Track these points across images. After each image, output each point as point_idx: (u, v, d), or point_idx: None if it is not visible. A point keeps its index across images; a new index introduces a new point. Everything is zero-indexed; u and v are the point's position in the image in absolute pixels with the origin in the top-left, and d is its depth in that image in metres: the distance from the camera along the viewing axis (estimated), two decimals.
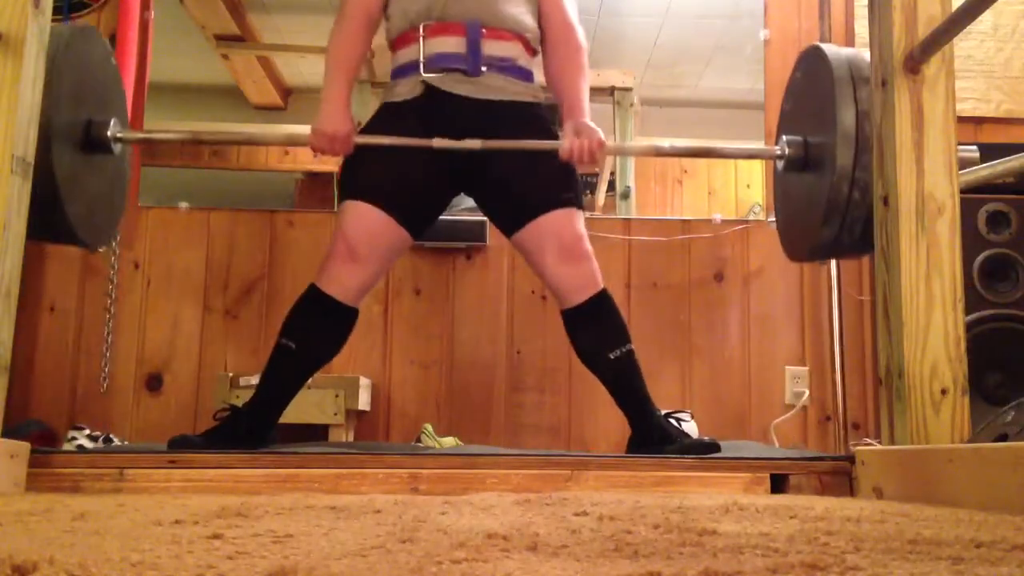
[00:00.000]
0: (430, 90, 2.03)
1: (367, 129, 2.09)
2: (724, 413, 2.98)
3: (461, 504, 1.30)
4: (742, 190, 4.79)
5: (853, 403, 2.96)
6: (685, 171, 4.85)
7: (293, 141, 2.33)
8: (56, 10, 2.59)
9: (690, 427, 2.42)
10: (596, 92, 3.90)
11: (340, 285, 2.01)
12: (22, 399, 2.80)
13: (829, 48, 1.97)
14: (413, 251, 2.99)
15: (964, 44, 3.11)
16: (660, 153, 2.13)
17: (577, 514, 1.13)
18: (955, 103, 1.65)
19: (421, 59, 2.03)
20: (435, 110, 2.03)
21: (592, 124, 2.03)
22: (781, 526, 1.00)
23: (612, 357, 2.03)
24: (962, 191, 1.65)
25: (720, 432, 2.78)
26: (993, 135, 3.09)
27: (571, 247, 2.03)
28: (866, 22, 1.82)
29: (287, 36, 4.39)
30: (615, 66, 4.11)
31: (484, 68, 2.03)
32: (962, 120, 1.78)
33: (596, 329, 2.05)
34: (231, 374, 2.74)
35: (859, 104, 1.83)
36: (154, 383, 2.94)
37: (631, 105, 3.98)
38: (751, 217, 3.90)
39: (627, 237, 3.06)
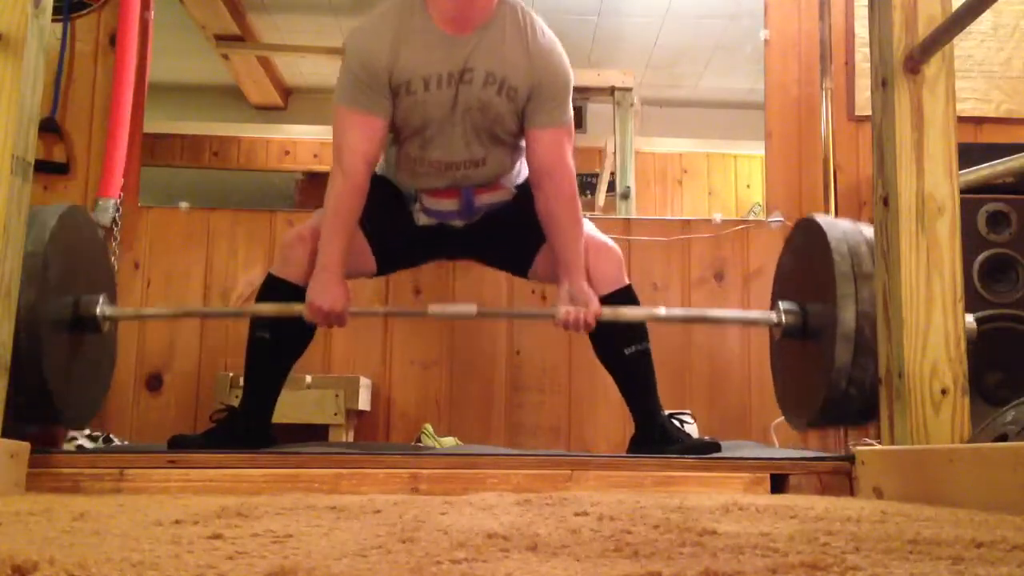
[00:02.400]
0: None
1: (371, 191, 2.09)
2: (724, 413, 2.97)
3: (461, 504, 1.30)
4: (742, 190, 4.79)
5: None
6: (685, 171, 4.86)
7: (287, 311, 2.13)
8: (56, 10, 2.60)
9: (691, 428, 2.42)
10: (596, 92, 3.91)
11: (297, 266, 2.01)
12: None
13: (830, 229, 1.92)
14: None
15: (964, 44, 3.11)
16: (658, 319, 2.10)
17: (577, 514, 1.13)
18: (955, 103, 1.65)
19: (419, 207, 2.11)
20: (432, 233, 2.14)
21: (588, 289, 1.98)
22: (781, 526, 1.00)
23: (627, 353, 2.04)
24: (962, 191, 1.65)
25: (720, 432, 2.78)
26: (993, 135, 3.09)
27: (594, 245, 2.06)
28: (866, 22, 1.82)
29: (287, 36, 4.38)
30: (615, 66, 4.11)
31: (477, 213, 2.12)
32: (962, 120, 1.77)
33: (615, 324, 2.05)
34: (231, 374, 2.73)
35: (859, 303, 1.81)
36: (154, 383, 2.94)
37: (631, 105, 3.98)
38: (751, 217, 3.90)
39: (627, 237, 3.06)
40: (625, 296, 2.07)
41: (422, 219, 2.12)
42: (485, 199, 2.10)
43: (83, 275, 2.03)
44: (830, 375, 1.82)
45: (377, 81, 1.93)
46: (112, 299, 2.10)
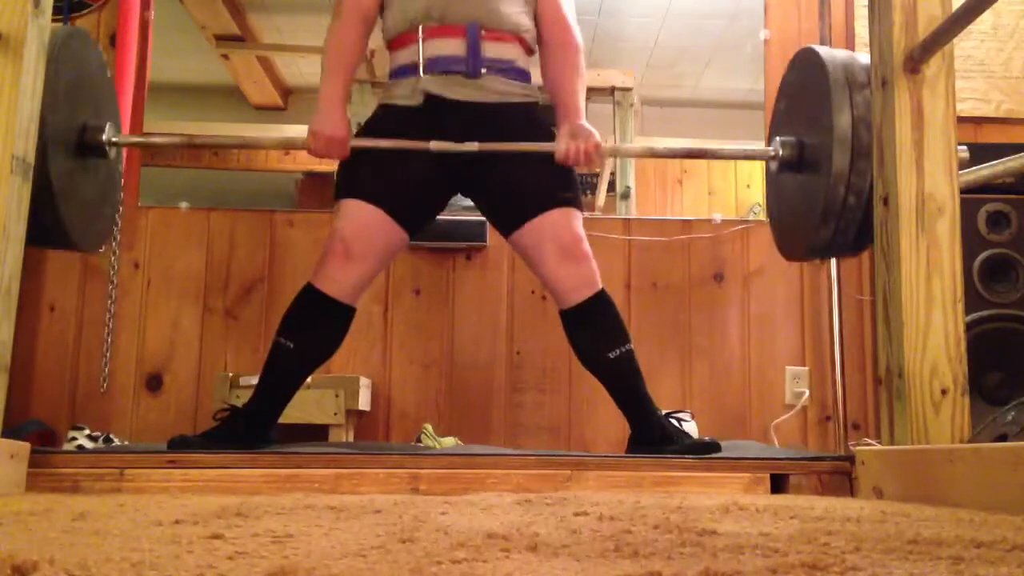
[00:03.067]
0: (430, 97, 2.03)
1: (365, 130, 2.09)
2: (724, 413, 2.97)
3: (461, 504, 1.30)
4: (742, 190, 4.79)
5: (853, 403, 2.96)
6: (685, 171, 4.85)
7: (290, 144, 2.32)
8: (56, 10, 2.59)
9: (690, 427, 2.41)
10: (596, 92, 3.91)
11: (336, 283, 2.00)
12: (22, 399, 2.80)
13: (824, 51, 1.96)
14: (413, 251, 2.99)
15: (964, 44, 3.11)
16: (655, 155, 2.13)
17: (577, 514, 1.13)
18: (955, 103, 1.65)
19: (420, 61, 2.02)
20: (435, 115, 2.03)
21: (588, 125, 2.03)
22: (781, 526, 1.00)
23: (611, 357, 2.03)
24: (962, 191, 1.65)
25: (720, 432, 2.78)
26: (993, 135, 3.09)
27: (570, 247, 2.02)
28: (866, 22, 1.82)
29: (287, 36, 4.38)
30: (615, 66, 4.11)
31: (484, 70, 2.02)
32: (962, 120, 1.77)
33: (594, 329, 2.05)
34: (231, 374, 2.74)
35: (855, 109, 1.83)
36: (154, 383, 2.94)
37: (631, 105, 3.98)
38: (751, 217, 3.90)
39: (627, 237, 3.06)
40: (599, 302, 2.05)
41: (424, 82, 2.02)
42: (492, 51, 2.03)
43: (90, 99, 2.02)
44: (829, 180, 1.84)
45: None
46: (117, 127, 2.10)
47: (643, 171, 4.56)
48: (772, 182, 2.23)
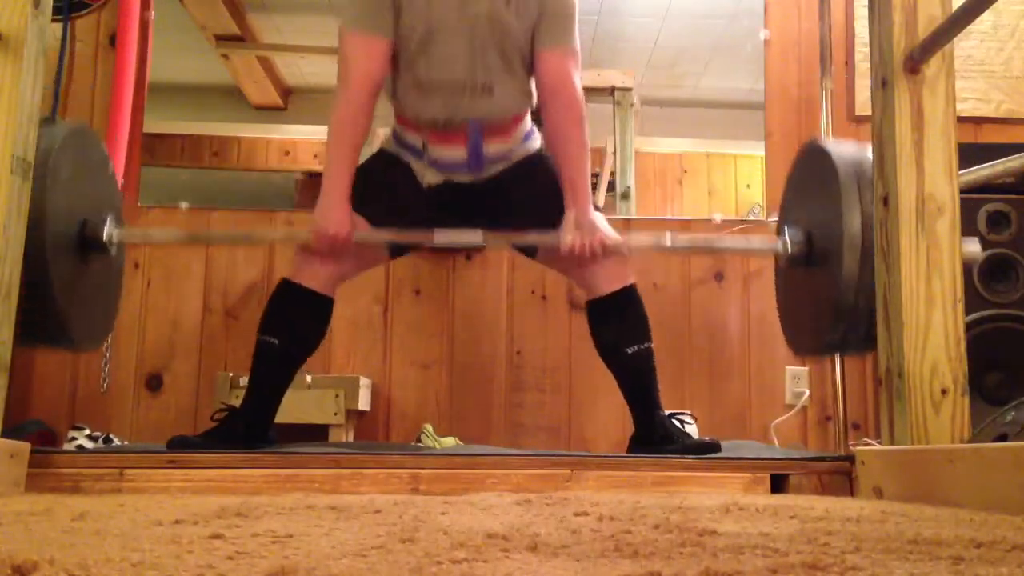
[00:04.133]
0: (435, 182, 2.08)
1: (369, 166, 2.08)
2: (724, 413, 2.97)
3: (461, 504, 1.30)
4: (742, 190, 4.78)
5: (853, 403, 2.96)
6: (685, 171, 4.85)
7: (291, 237, 2.20)
8: (56, 10, 2.60)
9: (691, 428, 2.42)
10: (596, 92, 3.90)
11: (314, 277, 2.01)
12: (22, 399, 2.80)
13: (834, 148, 1.92)
14: (413, 251, 2.99)
15: (964, 44, 3.11)
16: (662, 248, 2.10)
17: (577, 514, 1.13)
18: (955, 103, 1.65)
19: (425, 159, 2.06)
20: (439, 188, 2.08)
21: (594, 217, 1.99)
22: (781, 526, 1.00)
23: (629, 352, 2.04)
24: (962, 191, 1.65)
25: (720, 432, 2.78)
26: (993, 135, 3.09)
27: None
28: (866, 22, 1.82)
29: (287, 36, 4.38)
30: (615, 66, 4.11)
31: (485, 163, 2.06)
32: (962, 120, 1.77)
33: (618, 321, 2.05)
34: (231, 374, 2.73)
35: (864, 208, 1.80)
36: (154, 383, 2.94)
37: (631, 105, 3.98)
38: (751, 217, 3.90)
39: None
40: (627, 296, 2.06)
41: (429, 177, 2.06)
42: (493, 147, 2.04)
43: (91, 195, 2.00)
44: (839, 285, 1.81)
45: None
46: (119, 222, 2.05)
47: (643, 171, 4.56)
48: (781, 276, 2.21)
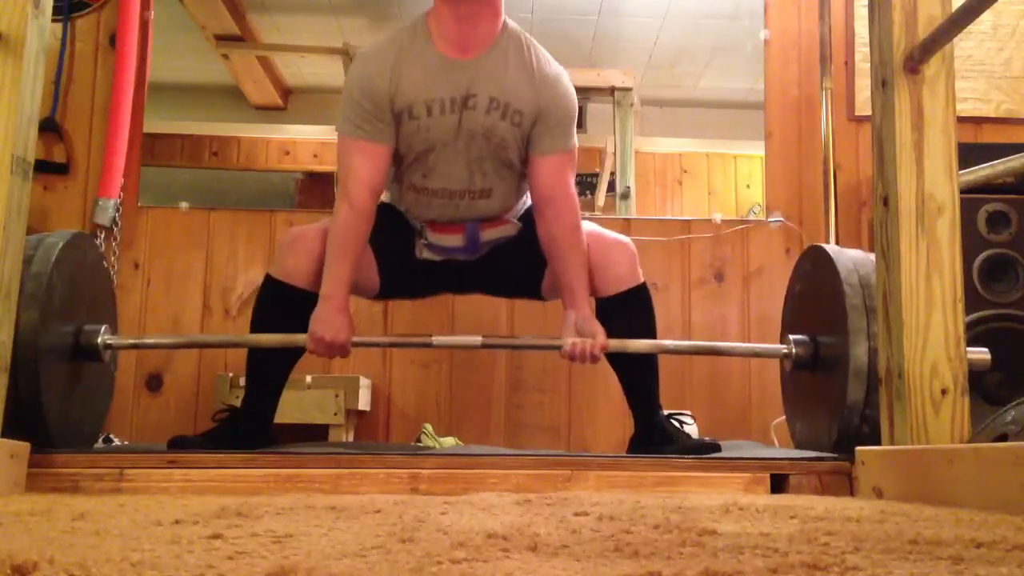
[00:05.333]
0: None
1: (379, 219, 2.07)
2: (724, 413, 2.97)
3: (461, 504, 1.30)
4: (742, 190, 4.78)
5: None
6: (685, 171, 4.85)
7: (291, 343, 2.09)
8: (56, 10, 2.60)
9: (691, 429, 2.41)
10: (596, 92, 3.91)
11: (300, 273, 2.00)
12: None
13: (839, 260, 1.90)
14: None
15: (964, 44, 3.11)
16: (664, 351, 2.11)
17: (577, 514, 1.13)
18: (955, 103, 1.65)
19: (423, 243, 2.08)
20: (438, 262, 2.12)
21: (594, 321, 1.98)
22: (781, 526, 1.00)
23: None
24: (962, 191, 1.65)
25: (720, 432, 2.78)
26: (993, 135, 3.09)
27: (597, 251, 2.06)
28: (866, 22, 1.82)
29: (287, 36, 4.38)
30: (615, 66, 4.11)
31: (482, 248, 2.10)
32: (962, 120, 1.77)
33: (626, 319, 2.05)
34: (231, 374, 2.73)
35: (871, 339, 1.79)
36: (154, 383, 2.94)
37: (631, 105, 3.98)
38: (751, 217, 3.90)
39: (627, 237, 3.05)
40: (639, 294, 2.06)
41: (426, 253, 2.10)
42: (490, 235, 2.08)
43: (86, 303, 2.04)
44: (843, 412, 1.82)
45: (378, 107, 1.91)
46: (114, 327, 2.11)
47: (643, 171, 4.56)
48: (786, 380, 2.21)
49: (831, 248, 2.01)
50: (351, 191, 1.93)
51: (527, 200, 2.15)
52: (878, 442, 1.67)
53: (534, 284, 2.14)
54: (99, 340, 2.00)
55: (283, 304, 2.00)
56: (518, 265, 2.12)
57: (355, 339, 1.95)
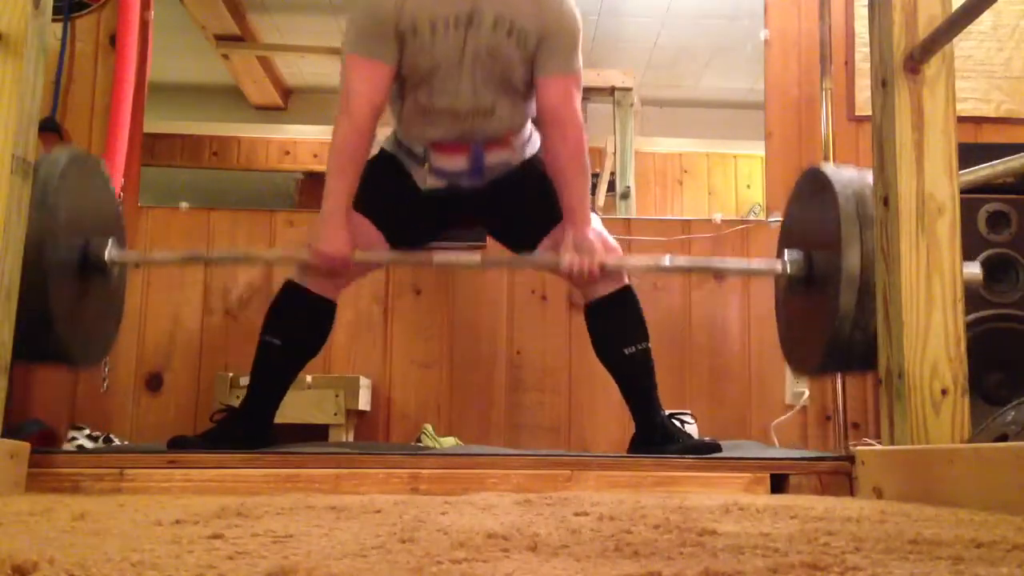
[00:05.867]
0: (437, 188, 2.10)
1: (367, 170, 2.08)
2: (724, 413, 2.97)
3: (461, 504, 1.30)
4: (742, 190, 4.79)
5: (853, 403, 2.96)
6: (685, 171, 4.86)
7: (289, 260, 2.18)
8: (56, 10, 2.59)
9: (691, 429, 2.42)
10: (596, 92, 3.91)
11: (317, 280, 2.01)
12: (22, 399, 2.80)
13: (836, 177, 1.91)
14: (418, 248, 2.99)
15: (964, 44, 3.11)
16: (662, 269, 2.09)
17: (577, 514, 1.13)
18: (955, 103, 1.65)
19: (427, 167, 2.07)
20: (437, 193, 2.10)
21: (593, 238, 1.98)
22: (781, 526, 1.00)
23: (627, 353, 2.04)
24: (962, 191, 1.65)
25: (720, 432, 2.78)
26: (993, 135, 3.09)
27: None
28: (866, 22, 1.82)
29: (287, 36, 4.39)
30: (615, 66, 4.11)
31: (486, 172, 2.08)
32: (962, 120, 1.77)
33: (616, 323, 2.05)
34: (231, 374, 2.73)
35: (864, 244, 1.79)
36: (154, 383, 2.94)
37: (631, 105, 3.99)
38: (751, 217, 3.90)
39: (627, 237, 3.06)
40: (624, 297, 2.06)
41: (430, 181, 2.08)
42: (494, 157, 2.07)
43: (92, 218, 2.01)
44: (835, 320, 1.80)
45: (383, 27, 1.92)
46: (121, 244, 2.06)
47: (643, 171, 4.56)
48: (780, 296, 2.20)
49: (827, 166, 2.01)
50: (352, 108, 1.94)
51: (535, 137, 2.13)
52: (870, 353, 1.68)
53: (530, 237, 2.10)
54: (106, 255, 1.97)
55: (300, 307, 2.02)
56: (523, 211, 2.10)
57: (357, 253, 1.96)
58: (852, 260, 1.79)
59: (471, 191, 2.10)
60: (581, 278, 1.97)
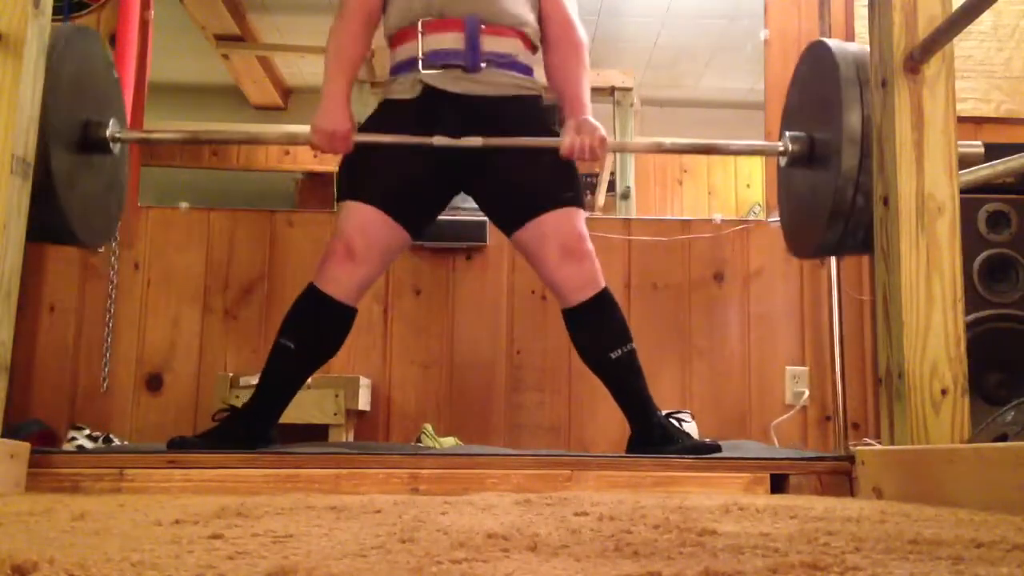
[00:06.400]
0: (429, 89, 2.02)
1: (366, 127, 2.09)
2: (724, 413, 2.97)
3: (461, 504, 1.30)
4: (742, 190, 4.79)
5: (853, 403, 2.96)
6: (685, 171, 4.86)
7: (292, 140, 2.31)
8: (56, 10, 2.59)
9: (690, 428, 2.41)
10: (596, 92, 3.91)
11: (338, 284, 2.00)
12: (22, 399, 2.80)
13: (835, 45, 1.94)
14: (413, 251, 2.99)
15: (964, 44, 3.11)
16: (662, 150, 2.11)
17: (577, 514, 1.13)
18: (955, 103, 1.65)
19: (420, 55, 2.02)
20: (435, 109, 2.02)
21: (593, 120, 2.02)
22: (781, 526, 1.00)
23: (613, 357, 2.03)
24: (962, 191, 1.65)
25: (720, 432, 2.78)
26: (993, 135, 3.09)
27: (572, 247, 2.02)
28: (866, 22, 1.82)
29: (287, 36, 4.39)
30: (615, 66, 4.11)
31: (483, 64, 2.01)
32: (962, 120, 1.77)
33: (597, 329, 2.05)
34: (231, 374, 2.74)
35: (865, 107, 1.80)
36: (154, 383, 2.94)
37: (631, 105, 3.99)
38: (751, 217, 3.90)
39: (627, 237, 3.06)
40: (601, 302, 2.05)
41: (425, 78, 2.01)
42: (491, 44, 2.03)
43: (94, 95, 2.01)
44: (837, 180, 1.81)
45: None
46: (122, 124, 2.09)
47: (643, 171, 4.56)
48: (781, 178, 2.21)
49: (829, 40, 2.02)
50: (347, 11, 2.05)
51: (533, 75, 2.11)
52: (871, 220, 1.70)
53: (518, 217, 2.06)
54: (107, 132, 1.99)
55: (319, 311, 2.01)
56: (519, 189, 2.07)
57: (357, 136, 2.01)
58: (853, 121, 1.81)
59: (473, 154, 2.02)
60: (583, 156, 2.01)
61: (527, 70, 2.10)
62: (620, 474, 1.73)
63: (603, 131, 2.02)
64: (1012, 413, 1.73)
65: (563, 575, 0.67)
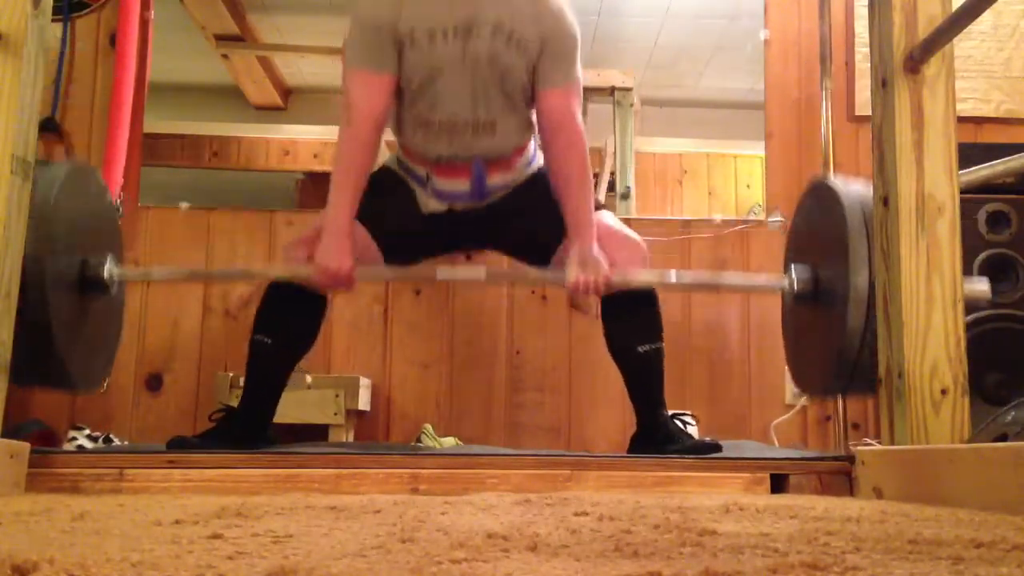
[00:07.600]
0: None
1: (371, 184, 2.06)
2: (724, 413, 2.97)
3: (461, 504, 1.30)
4: (742, 190, 4.79)
5: (853, 403, 2.96)
6: (685, 171, 4.86)
7: (293, 275, 2.10)
8: (56, 10, 2.60)
9: (692, 430, 2.41)
10: (596, 92, 3.91)
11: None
12: (22, 399, 2.80)
13: (846, 195, 1.88)
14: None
15: (964, 44, 3.11)
16: (667, 285, 2.10)
17: (577, 514, 1.13)
18: (955, 103, 1.65)
19: (428, 189, 2.09)
20: (440, 214, 2.11)
21: (597, 254, 1.96)
22: (781, 526, 1.00)
23: (640, 351, 2.03)
24: (962, 191, 1.65)
25: (720, 432, 2.78)
26: (993, 135, 3.09)
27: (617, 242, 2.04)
28: (866, 22, 1.82)
29: (287, 36, 4.39)
30: (615, 66, 4.11)
31: (490, 194, 2.09)
32: (962, 120, 1.77)
33: (632, 320, 2.05)
34: (231, 374, 2.73)
35: (873, 264, 1.76)
36: (154, 383, 2.94)
37: (631, 105, 3.98)
38: (751, 217, 3.90)
39: None
40: (644, 294, 2.05)
41: (432, 205, 2.09)
42: (496, 179, 2.07)
43: (91, 234, 2.00)
44: (843, 339, 1.79)
45: (380, 36, 1.92)
46: (119, 260, 2.05)
47: (643, 171, 4.56)
48: (787, 312, 2.19)
49: (835, 180, 1.99)
50: (353, 119, 1.94)
51: (537, 154, 2.14)
52: (874, 369, 1.68)
53: (545, 248, 2.09)
54: (105, 271, 1.95)
55: (288, 303, 2.01)
56: (532, 224, 2.09)
57: (360, 270, 1.96)
58: (860, 279, 1.77)
59: (473, 216, 2.11)
60: (587, 294, 1.97)
61: (529, 163, 2.14)
62: (620, 474, 1.73)
63: (607, 267, 1.96)
64: (1012, 413, 1.73)
65: (563, 575, 0.67)
